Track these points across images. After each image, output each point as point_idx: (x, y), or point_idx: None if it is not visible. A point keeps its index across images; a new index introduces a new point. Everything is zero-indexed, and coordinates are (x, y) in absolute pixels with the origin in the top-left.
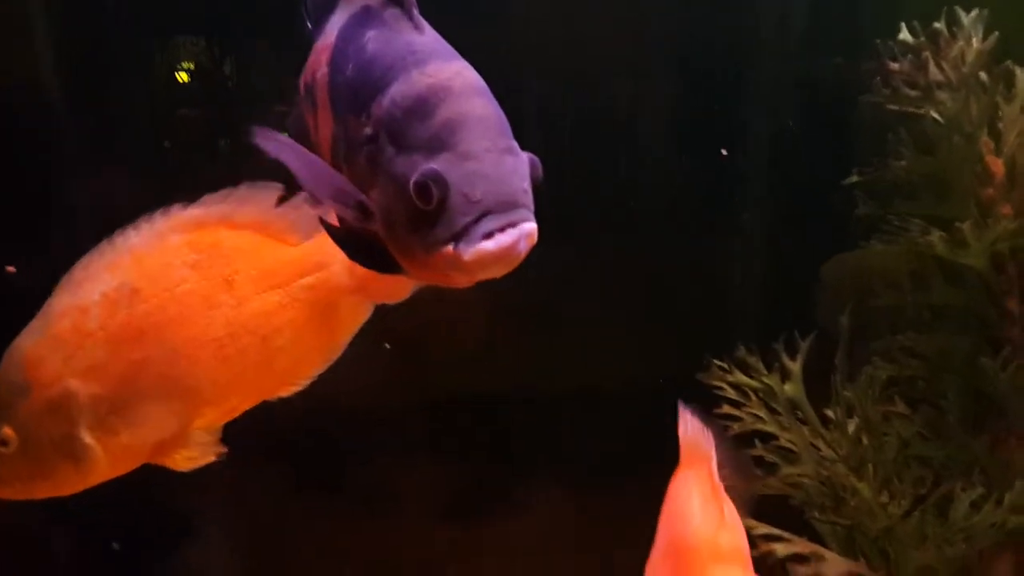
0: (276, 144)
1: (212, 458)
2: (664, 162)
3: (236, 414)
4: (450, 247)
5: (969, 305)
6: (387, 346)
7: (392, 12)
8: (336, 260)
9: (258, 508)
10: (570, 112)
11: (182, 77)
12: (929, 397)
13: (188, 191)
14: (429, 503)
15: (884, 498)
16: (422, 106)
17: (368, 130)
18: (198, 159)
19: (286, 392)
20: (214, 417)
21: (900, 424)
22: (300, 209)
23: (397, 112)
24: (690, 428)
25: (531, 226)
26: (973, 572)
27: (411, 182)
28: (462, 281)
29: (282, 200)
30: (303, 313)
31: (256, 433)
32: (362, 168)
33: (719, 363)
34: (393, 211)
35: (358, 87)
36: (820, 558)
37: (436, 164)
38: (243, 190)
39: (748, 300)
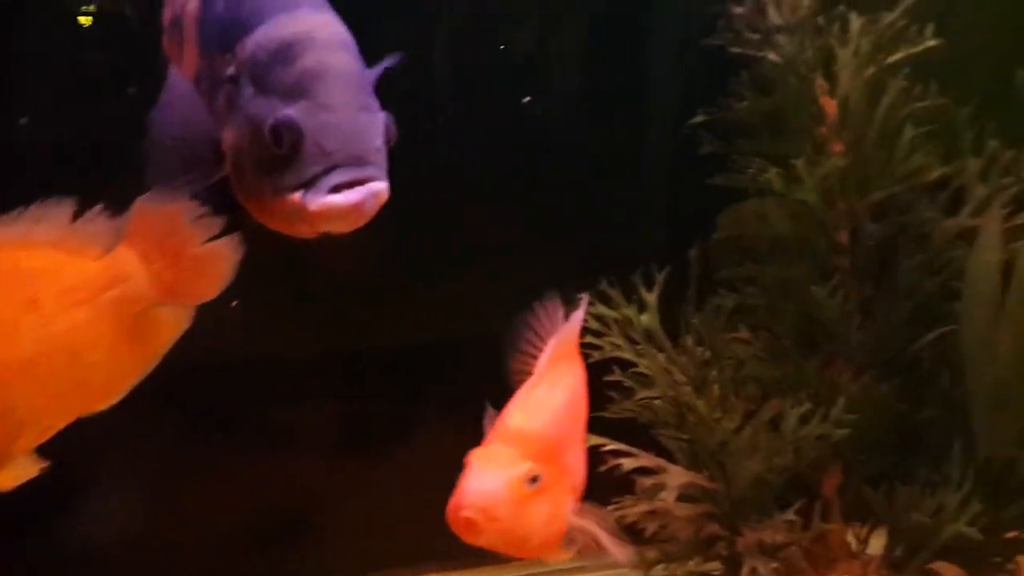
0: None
1: (35, 473)
2: (531, 104)
3: (55, 431)
4: (297, 195)
5: (803, 237)
6: (233, 303)
7: None
8: (138, 270)
9: (155, 453)
10: (436, 56)
11: (84, 21)
12: (768, 323)
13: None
14: (324, 443)
15: (718, 414)
16: (286, 51)
17: (231, 69)
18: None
19: (104, 406)
20: (32, 437)
21: (739, 348)
22: (96, 223)
23: (261, 54)
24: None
25: (380, 185)
26: (805, 481)
27: (266, 125)
28: (306, 231)
29: (77, 215)
30: (113, 326)
31: (151, 383)
32: (220, 107)
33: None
34: (245, 153)
35: (227, 24)
36: (663, 470)
37: (293, 111)
38: (36, 208)
39: (616, 238)
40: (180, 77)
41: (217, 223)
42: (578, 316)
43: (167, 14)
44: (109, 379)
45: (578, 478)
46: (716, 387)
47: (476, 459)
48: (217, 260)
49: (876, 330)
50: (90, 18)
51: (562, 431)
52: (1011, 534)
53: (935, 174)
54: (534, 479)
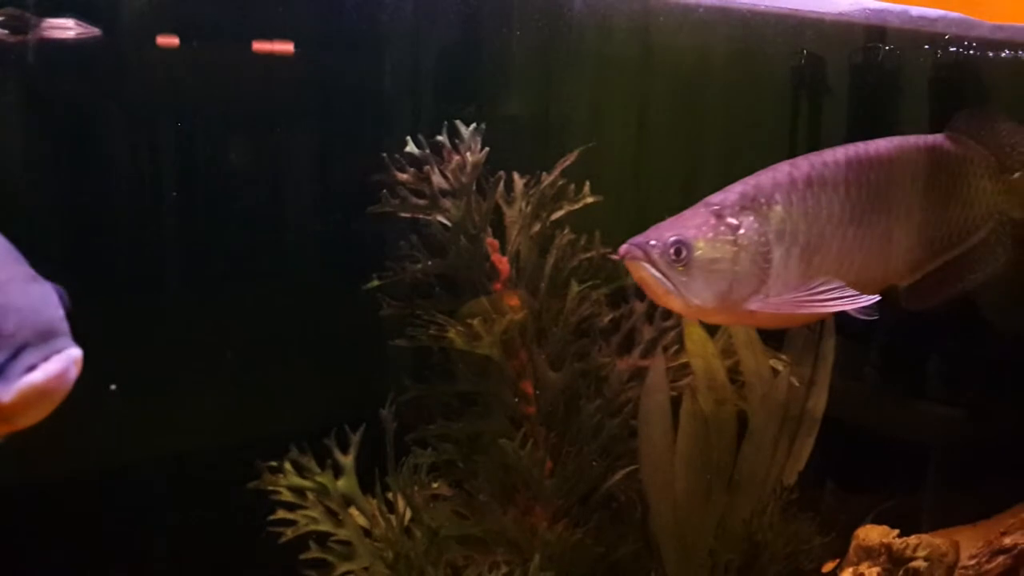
0: None
1: None
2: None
3: None
4: None
5: (490, 390)
6: None
7: None
8: None
9: None
10: None
11: None
12: (466, 478)
13: None
14: None
15: None
16: None
17: None
18: None
19: None
20: None
21: (431, 511)
22: None
23: None
24: None
25: (77, 352)
26: None
27: None
28: (8, 427)
29: None
30: None
31: None
32: None
33: (272, 465)
34: None
35: None
36: None
37: None
38: None
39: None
40: None
41: None
42: None
43: None
44: None
45: None
46: (406, 557)
47: None
48: None
49: (568, 473)
50: None
51: None
52: None
53: (606, 319)
54: None
